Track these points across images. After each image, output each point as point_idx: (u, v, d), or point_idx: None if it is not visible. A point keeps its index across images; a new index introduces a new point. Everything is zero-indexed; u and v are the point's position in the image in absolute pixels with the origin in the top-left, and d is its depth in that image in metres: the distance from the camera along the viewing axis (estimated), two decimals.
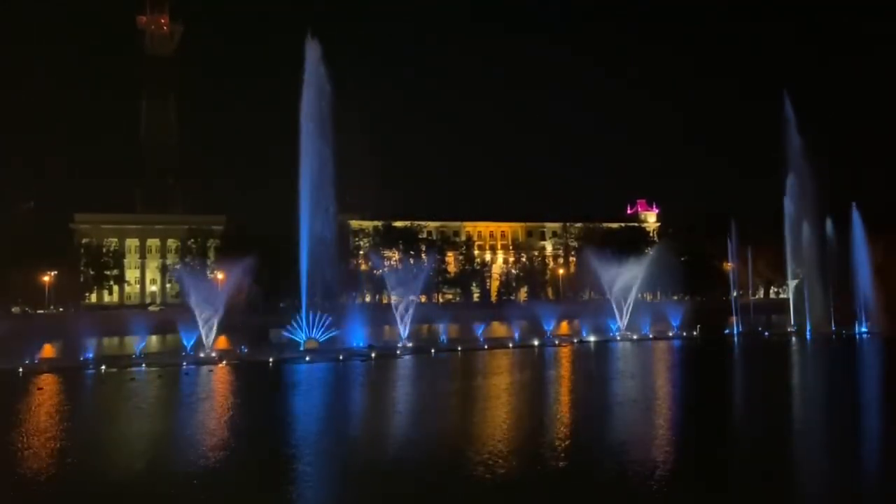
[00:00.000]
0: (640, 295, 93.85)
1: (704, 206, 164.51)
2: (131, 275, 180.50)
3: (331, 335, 71.63)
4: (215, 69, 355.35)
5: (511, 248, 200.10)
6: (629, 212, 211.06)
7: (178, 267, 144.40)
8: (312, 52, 76.41)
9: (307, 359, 63.36)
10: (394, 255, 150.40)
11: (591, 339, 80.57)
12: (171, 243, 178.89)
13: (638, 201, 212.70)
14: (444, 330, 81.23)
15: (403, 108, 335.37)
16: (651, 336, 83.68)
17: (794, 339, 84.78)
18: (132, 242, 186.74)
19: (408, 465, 25.32)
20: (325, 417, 37.57)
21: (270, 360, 61.98)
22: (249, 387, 49.42)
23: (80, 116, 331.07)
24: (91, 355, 62.27)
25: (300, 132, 74.98)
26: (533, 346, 74.22)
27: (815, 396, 42.86)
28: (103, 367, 57.42)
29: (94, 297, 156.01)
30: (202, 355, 64.63)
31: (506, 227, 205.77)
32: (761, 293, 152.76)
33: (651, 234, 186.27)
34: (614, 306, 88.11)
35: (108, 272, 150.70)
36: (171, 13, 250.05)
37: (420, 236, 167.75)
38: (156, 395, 45.76)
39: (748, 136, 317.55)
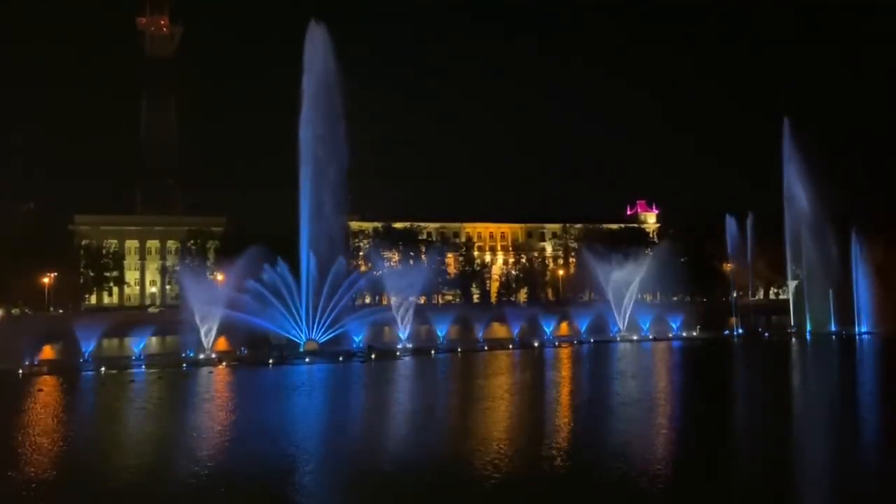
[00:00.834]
0: (639, 296, 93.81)
1: (704, 207, 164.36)
2: (131, 276, 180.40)
3: (331, 336, 71.63)
4: (215, 70, 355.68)
5: (511, 248, 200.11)
6: (629, 213, 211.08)
7: (177, 269, 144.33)
8: (316, 34, 76.14)
9: (307, 360, 63.35)
10: (394, 256, 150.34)
11: (591, 339, 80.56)
12: (171, 244, 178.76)
13: (638, 202, 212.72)
14: (443, 331, 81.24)
15: (403, 108, 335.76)
16: (651, 337, 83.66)
17: (794, 339, 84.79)
18: (132, 244, 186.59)
19: (411, 465, 25.28)
20: (328, 419, 37.55)
21: (270, 361, 61.97)
22: (250, 388, 49.37)
23: (79, 117, 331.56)
24: (91, 357, 62.25)
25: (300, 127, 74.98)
26: (533, 346, 74.20)
27: (816, 397, 42.81)
28: (103, 368, 57.39)
29: (93, 299, 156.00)
30: (202, 357, 64.62)
31: (506, 227, 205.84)
32: (761, 294, 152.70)
33: (651, 235, 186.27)
34: (614, 307, 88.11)
35: (107, 274, 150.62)
36: (171, 14, 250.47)
37: (420, 237, 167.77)
38: (157, 396, 45.57)
39: (748, 136, 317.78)
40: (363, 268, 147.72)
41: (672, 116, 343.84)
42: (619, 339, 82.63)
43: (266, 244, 76.82)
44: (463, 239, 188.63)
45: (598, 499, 21.49)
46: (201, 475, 23.92)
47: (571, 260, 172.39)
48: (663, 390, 45.21)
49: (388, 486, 22.77)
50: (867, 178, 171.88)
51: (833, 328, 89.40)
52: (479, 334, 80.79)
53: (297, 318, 71.94)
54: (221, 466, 25.28)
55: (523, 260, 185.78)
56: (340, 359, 63.58)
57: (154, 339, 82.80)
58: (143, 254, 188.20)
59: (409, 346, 72.73)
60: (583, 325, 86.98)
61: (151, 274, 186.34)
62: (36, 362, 60.71)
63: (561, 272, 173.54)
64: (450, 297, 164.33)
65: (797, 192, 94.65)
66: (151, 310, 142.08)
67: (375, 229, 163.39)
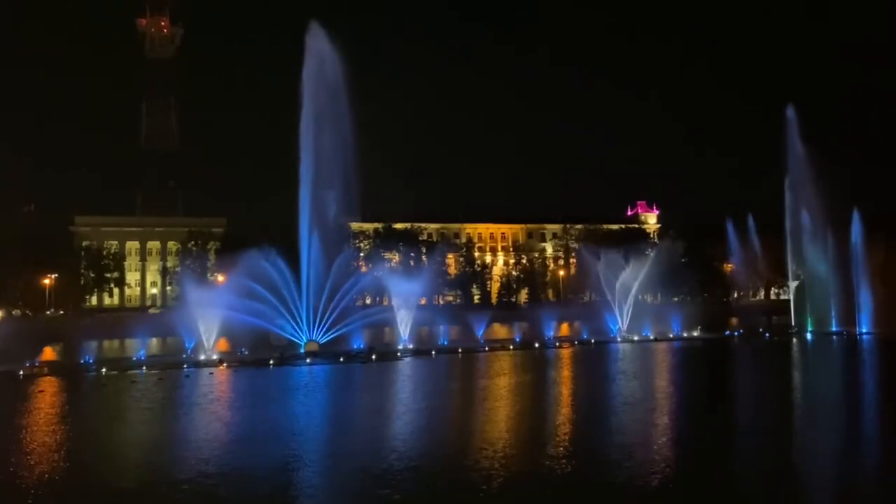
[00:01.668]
0: (640, 296, 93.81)
1: (705, 208, 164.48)
2: (132, 277, 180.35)
3: (332, 336, 71.60)
4: (216, 71, 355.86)
5: (511, 249, 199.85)
6: (629, 213, 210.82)
7: (178, 270, 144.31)
8: (317, 34, 76.18)
9: (308, 361, 63.32)
10: (394, 257, 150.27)
11: (592, 340, 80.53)
12: (172, 246, 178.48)
13: (638, 203, 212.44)
14: (444, 331, 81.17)
15: (403, 110, 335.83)
16: (652, 337, 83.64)
17: (794, 339, 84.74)
18: (132, 245, 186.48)
19: (416, 466, 25.19)
20: (329, 419, 37.53)
21: (271, 362, 61.94)
22: (251, 389, 49.35)
23: (80, 118, 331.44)
24: (91, 358, 62.25)
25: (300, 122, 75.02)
26: (533, 347, 74.19)
27: (817, 397, 42.79)
28: (104, 369, 57.38)
29: (94, 300, 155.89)
30: (203, 357, 64.61)
31: (506, 228, 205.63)
32: (762, 294, 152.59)
33: (651, 236, 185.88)
34: (615, 308, 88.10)
35: (108, 275, 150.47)
36: (172, 16, 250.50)
37: (420, 238, 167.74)
38: (158, 397, 45.56)
39: (749, 137, 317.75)
40: (364, 269, 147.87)
41: (673, 118, 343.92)
42: (619, 339, 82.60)
43: (266, 245, 76.81)
44: (463, 240, 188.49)
45: (602, 499, 21.48)
46: (202, 475, 23.91)
47: (572, 260, 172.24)
48: (665, 390, 45.18)
49: (392, 486, 22.72)
50: (868, 178, 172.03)
51: (834, 328, 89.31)
52: (480, 335, 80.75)
53: (298, 319, 71.95)
54: (223, 466, 25.26)
55: (524, 260, 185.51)
56: (341, 359, 63.56)
57: (155, 341, 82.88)
58: (143, 255, 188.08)
59: (410, 346, 72.70)
60: (583, 326, 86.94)
61: (152, 275, 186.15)
62: (37, 363, 60.67)
63: (561, 273, 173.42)
64: (450, 298, 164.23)
65: (798, 192, 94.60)
66: (152, 311, 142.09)
67: (376, 230, 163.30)
